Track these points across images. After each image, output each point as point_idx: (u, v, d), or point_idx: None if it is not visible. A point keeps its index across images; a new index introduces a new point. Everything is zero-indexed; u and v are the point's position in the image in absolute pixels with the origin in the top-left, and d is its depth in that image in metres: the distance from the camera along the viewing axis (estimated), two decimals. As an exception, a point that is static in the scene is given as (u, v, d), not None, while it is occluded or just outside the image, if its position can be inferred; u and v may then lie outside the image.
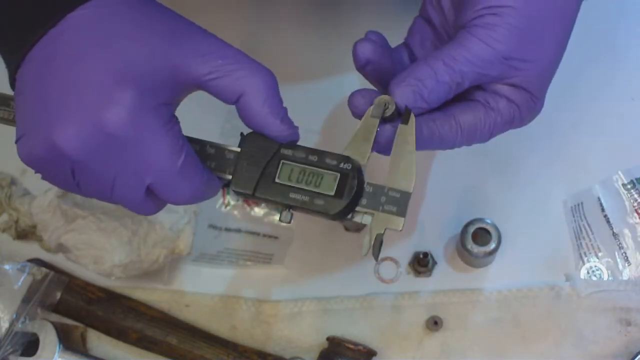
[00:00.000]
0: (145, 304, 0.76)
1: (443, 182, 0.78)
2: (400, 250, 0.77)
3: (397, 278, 0.76)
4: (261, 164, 0.53)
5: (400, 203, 0.53)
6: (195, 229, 0.76)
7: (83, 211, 0.74)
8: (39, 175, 0.80)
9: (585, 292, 0.73)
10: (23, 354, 0.72)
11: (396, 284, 0.76)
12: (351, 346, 0.72)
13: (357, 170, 0.53)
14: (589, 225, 0.75)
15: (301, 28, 0.83)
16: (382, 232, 0.53)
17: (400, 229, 0.53)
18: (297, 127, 0.54)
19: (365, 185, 0.53)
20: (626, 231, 0.75)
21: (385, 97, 0.55)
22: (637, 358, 0.71)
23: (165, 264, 0.75)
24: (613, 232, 0.75)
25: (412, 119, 0.54)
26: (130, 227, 0.74)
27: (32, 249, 0.79)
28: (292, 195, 0.53)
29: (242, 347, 0.74)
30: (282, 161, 0.54)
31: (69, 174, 0.52)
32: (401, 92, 0.55)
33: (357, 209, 0.53)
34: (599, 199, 0.76)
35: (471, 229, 0.72)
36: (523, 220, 0.76)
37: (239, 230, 0.79)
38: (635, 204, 0.75)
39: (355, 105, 0.58)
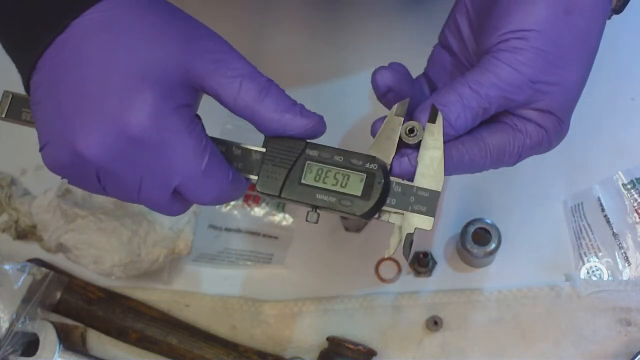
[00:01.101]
0: (145, 304, 0.76)
1: (443, 182, 0.78)
2: (401, 250, 0.77)
3: (397, 278, 0.76)
4: (287, 164, 0.53)
5: (429, 202, 0.53)
6: (195, 229, 0.76)
7: (83, 211, 0.74)
8: (39, 175, 0.81)
9: (585, 292, 0.73)
10: (23, 354, 0.72)
11: (396, 284, 0.76)
12: (351, 346, 0.72)
13: (383, 170, 0.53)
14: (589, 225, 0.75)
15: (303, 31, 0.83)
16: (412, 232, 0.53)
17: (430, 228, 0.53)
18: (321, 116, 0.54)
19: (394, 185, 0.53)
20: (626, 231, 0.75)
21: (413, 122, 0.54)
22: (637, 358, 0.71)
23: (165, 264, 0.75)
24: (613, 232, 0.75)
25: (440, 117, 0.53)
26: (130, 227, 0.74)
27: (32, 249, 0.79)
28: (318, 196, 0.53)
29: (242, 347, 0.74)
30: (307, 162, 0.53)
31: (95, 179, 0.51)
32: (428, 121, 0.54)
33: (386, 208, 0.53)
34: (599, 199, 0.76)
35: (471, 229, 0.72)
36: (523, 220, 0.76)
37: (239, 230, 0.79)
38: (635, 204, 0.75)
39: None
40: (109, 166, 0.50)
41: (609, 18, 0.59)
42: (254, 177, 0.54)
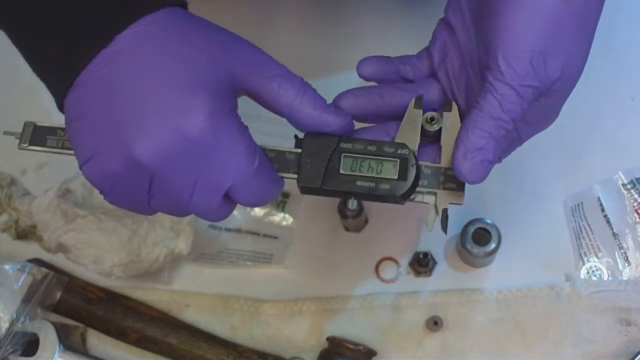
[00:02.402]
0: (145, 304, 0.76)
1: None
2: (400, 250, 0.77)
3: (397, 278, 0.76)
4: (324, 159, 0.57)
5: (458, 179, 0.56)
6: (195, 229, 0.76)
7: (83, 211, 0.74)
8: (39, 175, 0.80)
9: (585, 292, 0.73)
10: (23, 354, 0.72)
11: (396, 284, 0.76)
12: (351, 346, 0.72)
13: (413, 154, 0.57)
14: (589, 225, 0.75)
15: (301, 26, 0.83)
16: (447, 207, 0.57)
17: (462, 202, 0.57)
18: (350, 116, 0.57)
19: (423, 168, 0.57)
20: (626, 231, 0.75)
21: (433, 113, 0.59)
22: (637, 358, 0.71)
23: (165, 264, 0.75)
24: (613, 232, 0.75)
25: (455, 106, 0.59)
26: (130, 227, 0.74)
27: (32, 249, 0.79)
28: (358, 183, 0.56)
29: (242, 347, 0.74)
30: (343, 154, 0.57)
31: (145, 189, 0.52)
32: (470, 169, 0.55)
33: (420, 189, 0.57)
34: (599, 199, 0.76)
35: (471, 229, 0.72)
36: (523, 220, 0.76)
37: (239, 230, 0.79)
38: (635, 204, 0.75)
39: (364, 75, 0.62)
40: (164, 171, 0.51)
41: None
42: (289, 176, 0.57)
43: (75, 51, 0.51)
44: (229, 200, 0.54)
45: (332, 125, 0.56)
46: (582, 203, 0.76)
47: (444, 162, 0.58)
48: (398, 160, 0.57)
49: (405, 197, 0.57)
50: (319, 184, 0.56)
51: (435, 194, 0.57)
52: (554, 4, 0.54)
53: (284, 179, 0.57)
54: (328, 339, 0.73)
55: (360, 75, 0.62)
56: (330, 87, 0.81)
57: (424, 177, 0.57)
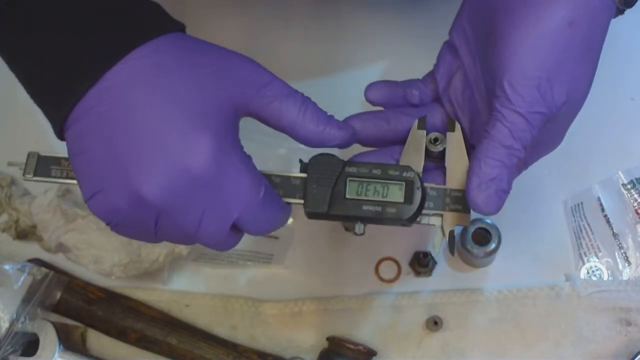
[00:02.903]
0: (145, 304, 0.76)
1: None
2: (400, 250, 0.77)
3: (397, 278, 0.76)
4: (329, 184, 0.57)
5: (463, 201, 0.57)
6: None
7: (83, 211, 0.74)
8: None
9: (585, 292, 0.73)
10: (23, 354, 0.72)
11: (396, 284, 0.76)
12: (351, 346, 0.72)
13: (418, 177, 0.57)
14: (589, 225, 0.75)
15: (302, 28, 0.83)
16: (453, 229, 0.58)
17: (469, 224, 0.58)
18: (352, 127, 0.57)
19: (429, 190, 0.58)
20: (626, 231, 0.75)
21: (436, 133, 0.60)
22: (637, 358, 0.71)
23: (165, 264, 0.75)
24: (613, 232, 0.75)
25: (458, 126, 0.60)
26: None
27: (32, 249, 0.79)
28: (364, 207, 0.57)
29: (242, 347, 0.74)
30: (348, 178, 0.57)
31: (151, 224, 0.52)
32: (486, 200, 0.55)
33: (426, 211, 0.58)
34: (599, 199, 0.76)
35: (471, 229, 0.72)
36: (523, 220, 0.76)
37: (239, 230, 0.79)
38: (635, 204, 0.75)
39: (371, 100, 0.63)
40: (171, 207, 0.51)
41: (622, 13, 0.59)
42: (294, 201, 0.57)
43: (70, 82, 0.51)
44: (237, 230, 0.54)
45: (335, 140, 0.56)
46: (582, 203, 0.76)
47: (450, 183, 0.58)
48: (403, 183, 0.57)
49: (412, 220, 0.57)
50: (326, 209, 0.56)
51: (441, 215, 0.58)
52: (559, 29, 0.54)
53: (291, 205, 0.57)
54: (328, 339, 0.73)
55: (368, 100, 0.63)
56: (330, 90, 0.82)
57: (430, 199, 0.58)
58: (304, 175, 0.57)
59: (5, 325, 0.72)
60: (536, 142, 0.56)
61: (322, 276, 0.77)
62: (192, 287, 0.78)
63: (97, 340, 0.76)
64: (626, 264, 0.74)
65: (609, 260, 0.75)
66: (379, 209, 0.56)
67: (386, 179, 0.57)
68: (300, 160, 0.58)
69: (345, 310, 0.75)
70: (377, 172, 0.57)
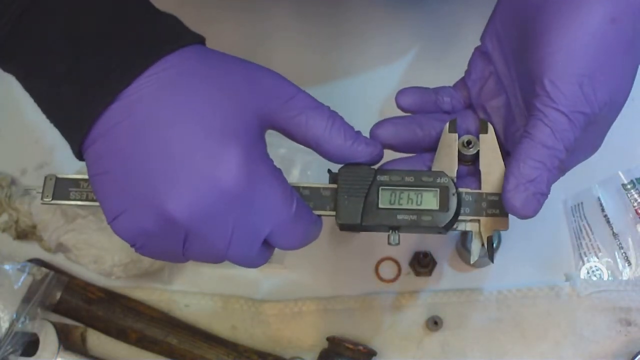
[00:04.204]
0: (145, 304, 0.76)
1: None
2: (400, 250, 0.77)
3: (397, 278, 0.76)
4: (361, 194, 0.55)
5: (501, 205, 0.55)
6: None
7: (83, 211, 0.74)
8: (39, 175, 0.80)
9: (585, 292, 0.73)
10: (23, 354, 0.72)
11: (396, 284, 0.76)
12: (351, 346, 0.72)
13: (453, 182, 0.55)
14: (589, 225, 0.75)
15: (301, 32, 0.83)
16: (492, 235, 0.56)
17: (507, 228, 0.55)
18: (380, 144, 0.56)
19: (464, 195, 0.56)
20: (626, 231, 0.75)
21: (469, 136, 0.58)
22: (637, 358, 0.71)
23: (165, 263, 0.75)
24: (613, 232, 0.75)
25: (491, 127, 0.57)
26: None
27: (32, 249, 0.79)
28: (399, 217, 0.55)
29: (242, 347, 0.74)
30: (380, 187, 0.55)
31: (180, 243, 0.50)
32: (523, 203, 0.53)
33: (462, 217, 0.56)
34: (599, 199, 0.76)
35: (471, 229, 0.72)
36: (523, 220, 0.76)
37: (239, 230, 0.79)
38: (635, 204, 0.75)
39: (403, 106, 0.60)
40: (200, 225, 0.49)
41: None
42: (326, 213, 0.56)
43: (89, 100, 0.49)
44: (268, 246, 0.53)
45: (363, 156, 0.54)
46: (582, 203, 0.76)
47: (485, 187, 0.56)
48: (438, 190, 0.55)
49: (448, 227, 0.55)
50: (359, 220, 0.55)
51: (478, 221, 0.56)
52: (602, 26, 0.52)
53: (322, 218, 0.56)
54: (328, 339, 0.73)
55: (399, 106, 0.60)
56: (330, 94, 0.82)
57: (465, 204, 0.56)
58: (334, 186, 0.55)
59: (5, 325, 0.72)
60: (575, 146, 0.54)
61: (322, 276, 0.77)
62: (192, 287, 0.78)
63: (97, 340, 0.76)
64: (626, 264, 0.74)
65: (609, 260, 0.75)
66: (414, 217, 0.55)
67: (420, 186, 0.55)
68: (329, 171, 0.56)
69: (345, 310, 0.75)
70: (410, 179, 0.55)
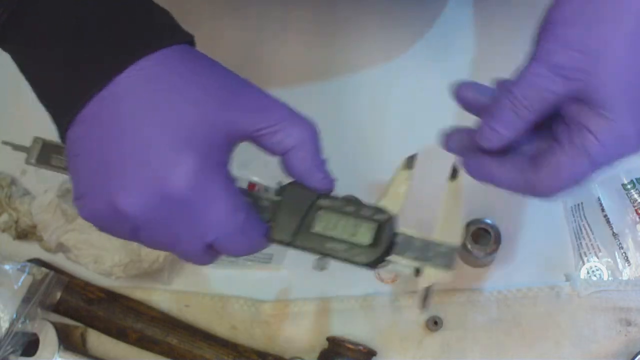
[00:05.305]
0: (145, 304, 0.76)
1: (443, 181, 0.78)
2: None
3: (397, 278, 0.76)
4: (300, 213, 0.55)
5: (447, 257, 0.55)
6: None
7: (83, 211, 0.74)
8: (39, 175, 0.80)
9: (585, 292, 0.73)
10: (23, 354, 0.72)
11: (396, 284, 0.76)
12: (351, 346, 0.72)
13: (391, 221, 0.55)
14: (589, 225, 0.75)
15: (301, 30, 0.83)
16: (430, 285, 0.55)
17: (448, 281, 0.55)
18: (334, 179, 0.56)
19: (414, 239, 0.55)
20: (626, 231, 0.75)
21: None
22: (637, 358, 0.71)
23: (165, 264, 0.75)
24: (613, 232, 0.75)
25: (460, 175, 0.57)
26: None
27: (32, 249, 0.79)
28: (328, 244, 0.55)
29: (242, 347, 0.74)
30: (319, 211, 0.55)
31: (129, 232, 0.52)
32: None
33: (403, 261, 0.55)
34: (599, 199, 0.76)
35: (471, 229, 0.72)
36: (523, 220, 0.76)
37: (239, 230, 0.79)
38: (635, 204, 0.75)
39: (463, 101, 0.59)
40: (147, 223, 0.51)
41: None
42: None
43: (75, 89, 0.51)
44: (214, 250, 0.54)
45: (314, 185, 0.55)
46: (582, 203, 0.76)
47: (437, 234, 0.56)
48: (374, 225, 0.55)
49: (374, 264, 0.55)
50: (289, 240, 0.55)
51: (419, 268, 0.55)
52: None
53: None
54: (328, 339, 0.73)
55: (458, 98, 0.59)
56: (331, 88, 0.82)
57: (414, 248, 0.55)
58: (278, 198, 0.55)
59: (5, 325, 0.72)
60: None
61: (322, 276, 0.77)
62: (192, 287, 0.78)
63: (97, 340, 0.76)
64: (626, 264, 0.74)
65: (609, 260, 0.75)
66: (342, 247, 0.54)
67: (358, 217, 0.55)
68: (279, 183, 0.56)
69: (345, 310, 0.75)
70: (349, 209, 0.55)
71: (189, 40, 0.54)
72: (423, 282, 0.55)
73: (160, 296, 0.77)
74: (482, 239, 0.73)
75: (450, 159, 0.60)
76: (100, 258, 0.74)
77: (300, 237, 0.55)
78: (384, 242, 0.54)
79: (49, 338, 0.73)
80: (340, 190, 0.58)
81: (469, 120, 0.83)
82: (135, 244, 0.73)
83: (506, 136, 0.55)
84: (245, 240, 0.53)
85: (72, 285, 0.76)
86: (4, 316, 0.72)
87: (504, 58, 0.82)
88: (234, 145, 0.53)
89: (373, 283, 0.76)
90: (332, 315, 0.75)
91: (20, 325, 0.72)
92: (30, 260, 0.76)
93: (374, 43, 0.82)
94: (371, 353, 0.73)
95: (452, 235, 0.56)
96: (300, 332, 0.75)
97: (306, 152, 0.54)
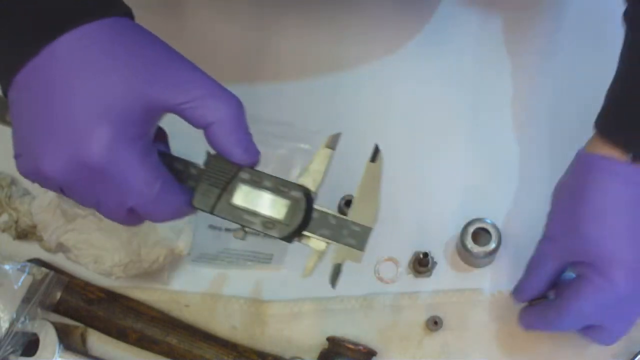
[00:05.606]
0: (145, 304, 0.76)
1: (443, 182, 0.78)
2: (400, 250, 0.77)
3: (397, 278, 0.76)
4: (221, 184, 0.56)
5: (361, 237, 0.56)
6: (195, 229, 0.76)
7: (83, 210, 0.74)
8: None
9: (585, 292, 0.73)
10: (23, 354, 0.72)
11: (396, 284, 0.76)
12: (351, 346, 0.72)
13: (307, 198, 0.56)
14: (589, 225, 0.75)
15: (303, 27, 0.83)
16: (342, 263, 0.57)
17: (360, 262, 0.57)
18: (258, 154, 0.57)
19: (329, 217, 0.57)
20: (626, 231, 0.75)
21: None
22: (637, 358, 0.71)
23: (165, 264, 0.75)
24: (613, 232, 0.75)
25: (381, 157, 0.57)
26: (130, 227, 0.73)
27: (32, 249, 0.79)
28: (245, 217, 0.56)
29: (242, 347, 0.74)
30: (239, 184, 0.56)
31: (60, 191, 0.55)
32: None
33: (315, 237, 0.57)
34: (599, 199, 0.76)
35: (471, 229, 0.72)
36: (523, 220, 0.76)
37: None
38: (635, 204, 0.75)
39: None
40: (69, 186, 0.54)
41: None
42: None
43: (12, 55, 0.53)
44: (138, 214, 0.56)
45: (237, 159, 0.56)
46: (582, 203, 0.76)
47: (353, 215, 0.57)
48: (290, 201, 0.56)
49: (288, 239, 0.57)
50: (210, 210, 0.56)
51: (327, 243, 0.57)
52: None
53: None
54: (328, 339, 0.73)
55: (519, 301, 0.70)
56: (329, 83, 0.82)
57: (329, 226, 0.56)
58: (203, 167, 0.57)
59: (5, 325, 0.72)
60: None
61: (322, 276, 0.77)
62: (192, 287, 0.78)
63: (97, 340, 0.76)
64: (626, 264, 0.74)
65: (609, 260, 0.74)
66: (257, 221, 0.56)
67: (275, 192, 0.56)
68: (207, 152, 0.57)
69: (345, 310, 0.75)
70: (268, 183, 0.56)
71: (127, 13, 0.56)
72: (335, 259, 0.56)
73: (160, 296, 0.77)
74: (482, 239, 0.73)
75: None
76: (100, 258, 0.74)
77: (219, 207, 0.56)
78: (298, 218, 0.56)
79: (49, 338, 0.73)
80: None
81: (466, 115, 0.83)
82: (135, 244, 0.73)
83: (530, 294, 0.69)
84: (164, 208, 0.55)
85: (72, 285, 0.76)
86: (4, 316, 0.72)
87: (503, 48, 0.83)
88: (156, 118, 0.55)
89: (373, 283, 0.76)
90: (332, 315, 0.75)
91: (20, 325, 0.72)
92: (30, 260, 0.76)
93: (373, 40, 0.82)
94: (371, 353, 0.73)
95: (367, 216, 0.57)
96: (300, 332, 0.75)
97: (226, 128, 0.55)
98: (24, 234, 0.79)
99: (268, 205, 0.56)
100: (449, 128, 0.80)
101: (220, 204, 0.56)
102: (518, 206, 0.77)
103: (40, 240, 0.78)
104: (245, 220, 0.56)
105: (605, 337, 0.66)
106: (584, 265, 0.64)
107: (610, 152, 0.62)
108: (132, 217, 0.56)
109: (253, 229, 0.56)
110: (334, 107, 0.81)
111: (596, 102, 0.77)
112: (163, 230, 0.74)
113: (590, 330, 0.67)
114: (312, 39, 0.83)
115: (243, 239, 0.57)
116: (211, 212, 0.56)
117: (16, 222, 0.78)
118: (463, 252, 0.74)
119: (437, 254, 0.76)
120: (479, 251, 0.72)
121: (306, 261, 0.57)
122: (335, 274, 0.57)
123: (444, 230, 0.77)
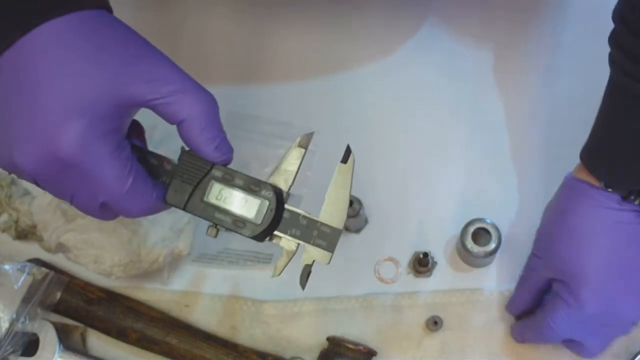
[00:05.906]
0: (145, 304, 0.76)
1: (443, 182, 0.78)
2: (400, 250, 0.77)
3: (397, 278, 0.76)
4: (194, 181, 0.56)
5: (330, 239, 0.56)
6: (195, 229, 0.76)
7: (83, 211, 0.74)
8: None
9: (585, 292, 0.73)
10: (23, 354, 0.72)
11: (396, 284, 0.76)
12: (351, 346, 0.72)
13: (278, 197, 0.56)
14: (589, 225, 0.75)
15: (302, 27, 0.83)
16: (311, 264, 0.56)
17: (328, 263, 0.56)
18: (231, 152, 0.57)
19: (300, 218, 0.56)
20: (626, 231, 0.75)
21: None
22: (638, 358, 0.71)
23: (165, 264, 0.75)
24: (613, 232, 0.75)
25: (352, 159, 0.56)
26: (130, 227, 0.74)
27: (32, 249, 0.79)
28: (217, 215, 0.56)
29: (242, 347, 0.74)
30: (212, 181, 0.56)
31: (34, 182, 0.55)
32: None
33: (286, 236, 0.57)
34: (599, 199, 0.76)
35: (471, 229, 0.72)
36: (523, 220, 0.76)
37: (239, 231, 0.79)
38: (636, 204, 0.75)
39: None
40: (43, 180, 0.54)
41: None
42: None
43: None
44: (111, 209, 0.56)
45: (210, 157, 0.56)
46: (582, 203, 0.76)
47: (323, 216, 0.56)
48: (261, 200, 0.56)
49: (259, 238, 0.56)
50: (182, 206, 0.56)
51: (298, 244, 0.57)
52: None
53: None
54: (328, 339, 0.73)
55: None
56: (326, 88, 0.82)
57: (299, 226, 0.56)
58: (177, 163, 0.57)
59: (5, 325, 0.72)
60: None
61: (322, 276, 0.77)
62: (192, 287, 0.78)
63: (97, 340, 0.76)
64: (626, 264, 0.74)
65: (609, 260, 0.74)
66: (228, 219, 0.56)
67: (247, 191, 0.56)
68: (182, 148, 0.57)
69: (345, 310, 0.75)
70: (240, 182, 0.56)
71: (102, 6, 0.55)
72: (304, 260, 0.56)
73: (160, 296, 0.77)
74: (482, 239, 0.73)
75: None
76: (100, 258, 0.74)
77: (192, 204, 0.56)
78: (268, 218, 0.56)
79: (49, 338, 0.73)
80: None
81: (465, 115, 0.83)
82: (135, 244, 0.73)
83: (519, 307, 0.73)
84: (136, 203, 0.55)
85: (72, 285, 0.76)
86: (4, 316, 0.72)
87: (501, 45, 0.82)
88: (129, 113, 0.55)
89: (373, 283, 0.76)
90: (332, 315, 0.75)
91: (20, 325, 0.72)
92: (30, 260, 0.77)
93: (372, 40, 0.82)
94: (371, 353, 0.73)
95: (336, 218, 0.56)
96: (300, 332, 0.75)
97: (197, 125, 0.55)
98: (24, 234, 0.79)
99: (239, 203, 0.56)
100: (449, 128, 0.80)
101: (192, 201, 0.56)
102: (518, 206, 0.77)
103: (40, 240, 0.78)
104: (216, 219, 0.56)
105: (584, 351, 0.70)
106: (559, 283, 0.68)
107: (588, 178, 0.67)
108: (105, 211, 0.56)
109: (224, 227, 0.56)
110: (333, 107, 0.81)
111: (596, 103, 0.77)
112: (163, 230, 0.74)
113: (570, 345, 0.71)
114: (312, 40, 0.83)
115: (215, 236, 0.57)
116: (183, 209, 0.56)
117: (16, 222, 0.78)
118: (463, 252, 0.74)
119: (437, 254, 0.76)
120: (479, 251, 0.72)
121: (277, 261, 0.57)
122: (305, 275, 0.57)
123: (444, 230, 0.77)
